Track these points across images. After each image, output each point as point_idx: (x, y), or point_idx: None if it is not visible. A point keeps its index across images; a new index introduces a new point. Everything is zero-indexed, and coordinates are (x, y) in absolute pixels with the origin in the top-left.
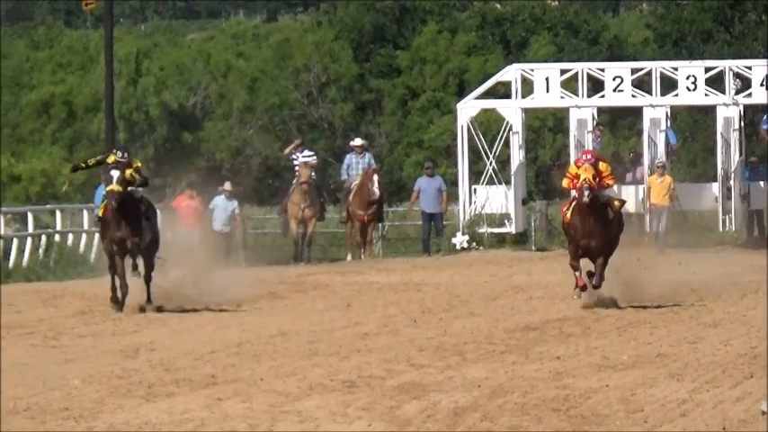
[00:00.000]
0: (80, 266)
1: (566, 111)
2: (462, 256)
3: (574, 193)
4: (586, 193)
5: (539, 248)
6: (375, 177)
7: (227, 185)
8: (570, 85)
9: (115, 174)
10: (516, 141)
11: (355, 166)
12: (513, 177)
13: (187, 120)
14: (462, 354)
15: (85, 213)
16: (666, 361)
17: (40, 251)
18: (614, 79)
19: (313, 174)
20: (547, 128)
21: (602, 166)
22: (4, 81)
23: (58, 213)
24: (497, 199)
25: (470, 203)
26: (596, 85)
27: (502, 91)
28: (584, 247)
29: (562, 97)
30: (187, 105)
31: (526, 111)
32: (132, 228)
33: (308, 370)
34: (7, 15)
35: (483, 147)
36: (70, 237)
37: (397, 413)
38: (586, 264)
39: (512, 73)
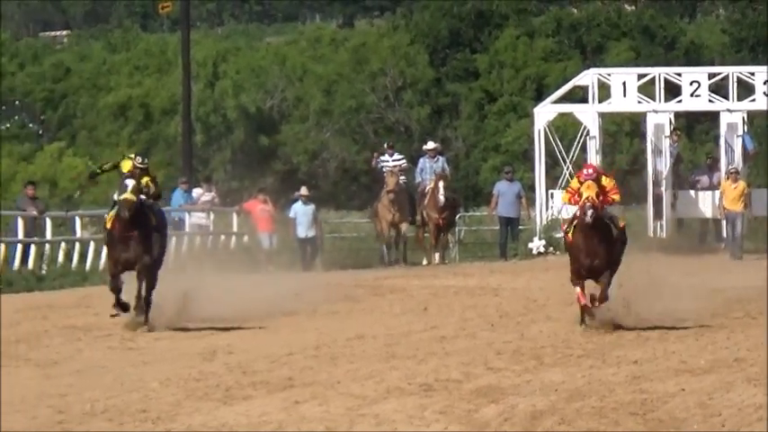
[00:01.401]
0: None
1: (642, 115)
2: (539, 260)
3: (573, 209)
4: (589, 212)
5: None
6: (441, 184)
7: (303, 190)
8: (647, 89)
9: (130, 183)
10: (593, 146)
11: (429, 169)
12: None
13: (264, 123)
14: (539, 358)
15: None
16: (744, 365)
17: None
18: (691, 84)
19: (402, 178)
20: (624, 132)
21: (605, 181)
22: (82, 83)
23: None
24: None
25: (547, 208)
26: (673, 90)
27: (579, 95)
28: (587, 267)
29: (639, 102)
30: (264, 108)
31: (603, 115)
32: (140, 246)
33: (385, 373)
34: (84, 18)
35: (560, 151)
36: None
37: (475, 416)
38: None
39: (589, 77)
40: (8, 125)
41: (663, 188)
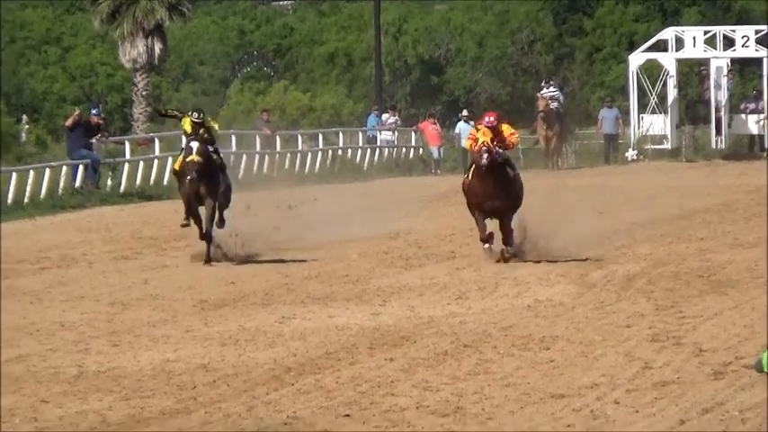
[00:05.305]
0: (356, 173)
1: (707, 60)
2: (632, 165)
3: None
4: (485, 156)
5: (688, 160)
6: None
7: (465, 112)
8: (711, 42)
9: (195, 145)
10: (671, 83)
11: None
12: (669, 108)
13: (434, 66)
14: (633, 236)
15: (360, 135)
16: None
17: (328, 162)
18: (743, 38)
19: (553, 105)
20: (694, 73)
21: (503, 127)
22: (302, 38)
23: (341, 134)
24: (658, 124)
25: (638, 127)
26: (729, 42)
27: (661, 46)
28: (488, 208)
29: (705, 51)
30: (434, 56)
31: (679, 60)
32: (209, 185)
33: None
34: None
35: (647, 86)
36: (349, 151)
37: (586, 279)
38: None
39: (668, 33)
40: (248, 69)
41: (722, 113)
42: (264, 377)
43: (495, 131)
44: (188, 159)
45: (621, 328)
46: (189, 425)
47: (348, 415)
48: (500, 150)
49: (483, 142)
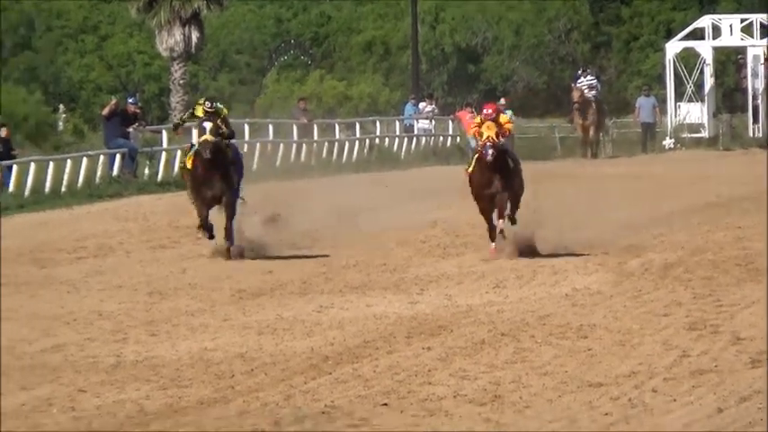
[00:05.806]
0: (393, 162)
1: (744, 49)
2: (669, 154)
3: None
4: (490, 152)
5: (725, 148)
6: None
7: (503, 101)
8: (747, 30)
9: (208, 125)
10: (708, 71)
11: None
12: (706, 97)
13: (471, 55)
14: (670, 224)
15: (397, 123)
16: None
17: (365, 151)
18: None
19: (591, 94)
20: (730, 61)
21: (502, 118)
22: (339, 26)
23: (378, 123)
24: (695, 112)
25: (675, 116)
26: (766, 30)
27: (698, 34)
28: (489, 195)
29: (742, 39)
30: (471, 44)
31: (716, 49)
32: (221, 182)
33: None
34: None
35: (684, 74)
36: (386, 140)
37: (623, 267)
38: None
39: (705, 21)
40: (285, 57)
41: (759, 101)
42: (302, 366)
43: (495, 122)
44: (200, 139)
45: (659, 316)
46: (227, 414)
47: (386, 404)
48: (503, 141)
49: (488, 137)
